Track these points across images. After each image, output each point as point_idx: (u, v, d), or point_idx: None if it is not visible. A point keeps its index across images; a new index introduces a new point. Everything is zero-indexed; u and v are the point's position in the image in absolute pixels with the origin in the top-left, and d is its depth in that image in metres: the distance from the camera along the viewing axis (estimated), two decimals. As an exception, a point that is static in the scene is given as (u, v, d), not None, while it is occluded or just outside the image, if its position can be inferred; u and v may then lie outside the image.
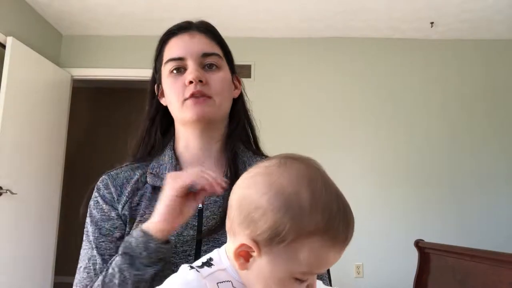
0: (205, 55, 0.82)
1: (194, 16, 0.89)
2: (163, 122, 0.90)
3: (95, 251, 0.76)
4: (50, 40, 3.66)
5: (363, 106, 3.72)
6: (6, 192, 2.81)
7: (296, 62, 3.81)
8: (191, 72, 0.79)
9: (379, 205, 3.57)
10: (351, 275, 3.44)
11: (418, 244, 2.60)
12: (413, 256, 2.65)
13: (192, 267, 0.52)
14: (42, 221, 3.31)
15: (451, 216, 3.53)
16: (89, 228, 0.79)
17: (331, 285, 0.71)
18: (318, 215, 0.49)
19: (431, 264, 2.52)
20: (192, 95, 0.78)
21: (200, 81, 0.79)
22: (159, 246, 0.65)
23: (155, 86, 0.89)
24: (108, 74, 3.84)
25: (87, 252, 0.77)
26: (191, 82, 0.78)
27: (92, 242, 0.77)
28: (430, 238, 2.77)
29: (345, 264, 3.41)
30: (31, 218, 3.16)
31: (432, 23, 3.49)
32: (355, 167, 3.62)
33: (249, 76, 3.73)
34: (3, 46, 2.97)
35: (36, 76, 3.28)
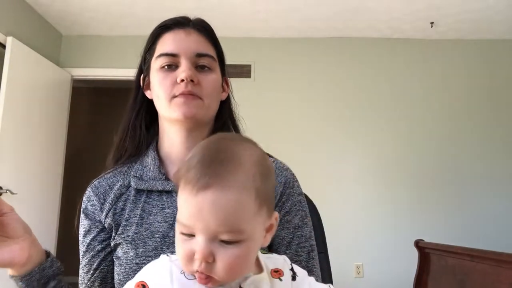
0: (199, 55, 0.81)
1: (193, 16, 0.87)
2: (147, 117, 0.88)
3: (81, 271, 0.81)
4: (50, 40, 3.66)
5: (363, 106, 3.72)
6: (6, 192, 2.82)
7: (296, 62, 3.81)
8: (184, 70, 0.78)
9: (379, 205, 3.56)
10: (351, 275, 3.44)
11: (418, 244, 2.60)
12: (413, 256, 2.65)
13: (167, 255, 0.58)
14: (42, 221, 3.31)
15: (451, 216, 3.53)
16: (80, 246, 0.82)
17: (332, 284, 0.70)
18: (183, 165, 0.53)
19: (431, 264, 2.52)
20: (182, 94, 0.78)
21: (192, 80, 0.78)
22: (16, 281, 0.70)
23: (141, 77, 0.88)
24: (108, 74, 3.84)
25: (80, 271, 0.81)
26: (182, 81, 0.77)
27: (81, 260, 0.81)
28: (430, 238, 2.77)
29: (345, 264, 3.41)
30: (31, 218, 3.13)
31: (432, 23, 3.49)
32: (355, 167, 3.62)
33: (249, 76, 3.72)
34: (3, 46, 2.97)
35: (36, 76, 3.27)
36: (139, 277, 0.55)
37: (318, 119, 3.70)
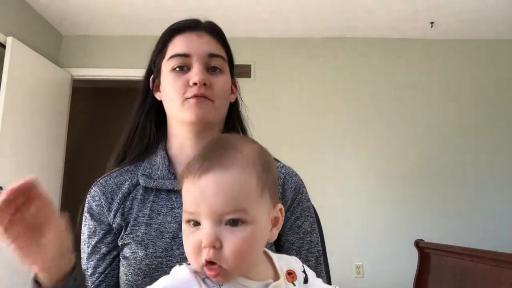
0: (211, 55, 0.81)
1: (194, 16, 0.88)
2: (156, 118, 0.88)
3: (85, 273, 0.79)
4: (50, 40, 3.66)
5: (363, 106, 3.71)
6: (6, 192, 2.81)
7: (296, 62, 3.81)
8: (197, 73, 0.78)
9: (379, 204, 3.56)
10: (351, 275, 3.44)
11: (418, 244, 2.61)
12: (413, 256, 2.65)
13: (187, 264, 0.55)
14: (42, 221, 3.31)
15: (451, 216, 3.52)
16: (82, 246, 0.80)
17: (330, 284, 0.71)
18: (186, 164, 0.55)
19: (431, 264, 2.52)
20: (194, 96, 0.78)
21: (204, 84, 0.78)
22: None
23: (151, 79, 0.88)
24: (108, 74, 3.84)
25: None
26: (195, 84, 0.78)
27: (84, 260, 0.79)
28: (430, 238, 2.78)
29: (345, 264, 3.41)
30: (31, 218, 3.15)
31: (432, 23, 3.49)
32: (355, 166, 3.62)
33: (249, 76, 3.72)
34: (3, 46, 2.97)
35: (36, 76, 3.27)
36: (163, 284, 0.52)
37: (318, 119, 3.70)
